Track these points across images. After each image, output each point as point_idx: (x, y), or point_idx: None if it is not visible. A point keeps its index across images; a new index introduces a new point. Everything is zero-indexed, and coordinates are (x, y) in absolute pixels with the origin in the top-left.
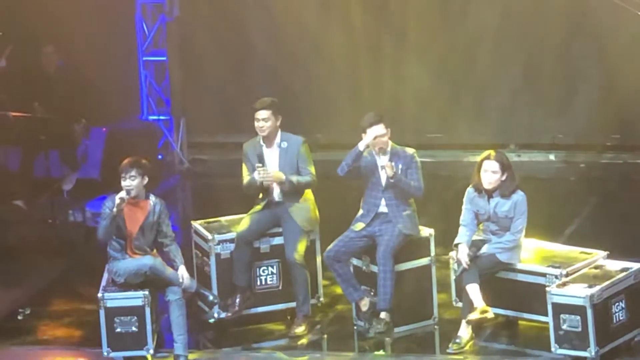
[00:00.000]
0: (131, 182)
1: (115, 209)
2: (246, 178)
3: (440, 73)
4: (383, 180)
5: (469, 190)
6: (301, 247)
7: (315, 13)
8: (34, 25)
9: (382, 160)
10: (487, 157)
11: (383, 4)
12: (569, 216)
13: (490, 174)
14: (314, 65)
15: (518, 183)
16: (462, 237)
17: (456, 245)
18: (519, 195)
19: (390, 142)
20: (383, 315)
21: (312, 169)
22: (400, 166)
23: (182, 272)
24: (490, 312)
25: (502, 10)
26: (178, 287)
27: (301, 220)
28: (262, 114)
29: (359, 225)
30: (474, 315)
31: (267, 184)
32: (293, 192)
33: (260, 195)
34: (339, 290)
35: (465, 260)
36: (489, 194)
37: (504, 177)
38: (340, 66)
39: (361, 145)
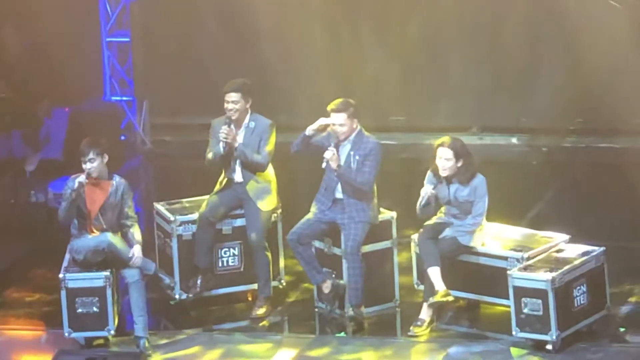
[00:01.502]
0: (91, 164)
1: (74, 193)
2: (210, 153)
3: (402, 55)
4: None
5: (429, 173)
6: (263, 229)
7: None
8: None
9: (328, 153)
10: (441, 144)
11: None
12: (531, 200)
13: (444, 160)
14: (276, 47)
15: (476, 169)
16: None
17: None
18: (479, 179)
19: (357, 129)
20: (353, 312)
21: (269, 153)
22: (357, 157)
23: (135, 250)
24: (451, 296)
25: None
26: (136, 268)
27: (262, 202)
28: (232, 96)
29: (315, 207)
30: (434, 299)
31: (225, 145)
32: (251, 170)
33: (222, 175)
34: (300, 270)
35: (428, 190)
36: (448, 179)
37: (459, 164)
38: (303, 48)
39: (308, 130)
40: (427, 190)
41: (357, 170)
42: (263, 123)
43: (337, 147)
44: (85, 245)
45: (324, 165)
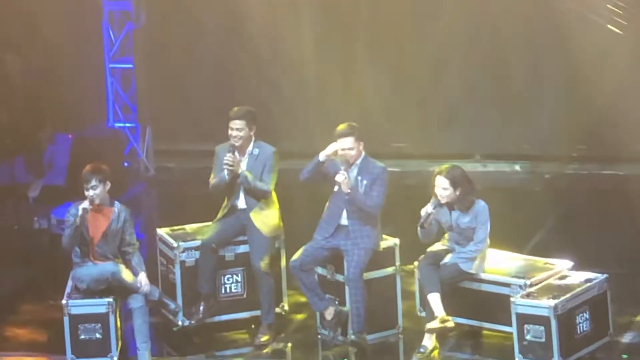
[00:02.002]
0: (94, 191)
1: (78, 219)
2: (214, 179)
3: (407, 83)
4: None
5: (432, 200)
6: (266, 255)
7: (284, 23)
8: (0, 31)
9: (340, 176)
10: (439, 173)
11: (351, 16)
12: (534, 227)
13: (441, 189)
14: (281, 74)
15: (476, 196)
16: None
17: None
18: (480, 206)
19: (362, 155)
20: (355, 338)
21: (272, 180)
22: (365, 182)
23: (142, 279)
24: (451, 322)
25: (469, 21)
26: (141, 295)
27: (265, 229)
28: (236, 123)
29: (319, 234)
30: (433, 324)
31: (228, 171)
32: (255, 197)
33: (225, 202)
34: (303, 298)
35: (429, 209)
36: (449, 206)
37: (457, 192)
38: (309, 75)
39: (321, 156)
40: (427, 209)
41: (365, 194)
42: (267, 150)
43: (346, 171)
44: (89, 273)
45: (336, 188)
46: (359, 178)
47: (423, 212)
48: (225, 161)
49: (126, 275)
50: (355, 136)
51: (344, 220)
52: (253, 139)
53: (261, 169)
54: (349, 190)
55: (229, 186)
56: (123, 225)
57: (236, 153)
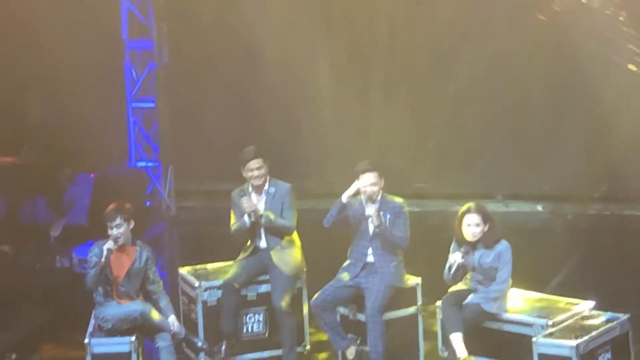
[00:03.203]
0: (118, 230)
1: (103, 259)
2: (235, 225)
3: (429, 123)
4: (370, 230)
5: (454, 242)
6: (288, 295)
7: (304, 63)
8: (23, 69)
9: (369, 210)
10: (468, 211)
11: (372, 54)
12: (556, 267)
13: (473, 227)
14: (303, 114)
15: (500, 233)
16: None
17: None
18: (503, 246)
19: (381, 192)
20: None
21: (294, 216)
22: (388, 216)
23: (173, 321)
24: None
25: (490, 63)
26: (168, 334)
27: (287, 268)
28: (256, 163)
29: (345, 275)
30: None
31: (249, 211)
32: (277, 236)
33: (248, 242)
34: (325, 337)
35: (457, 258)
36: (473, 245)
37: (486, 229)
38: (330, 115)
39: (344, 197)
40: (456, 257)
41: (390, 228)
42: (283, 187)
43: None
44: (115, 313)
45: (370, 222)
46: (382, 213)
47: (452, 259)
48: (244, 206)
49: (154, 314)
50: (378, 172)
51: (370, 258)
52: (268, 177)
53: (280, 206)
54: (379, 222)
55: (250, 228)
56: (146, 264)
57: (251, 195)
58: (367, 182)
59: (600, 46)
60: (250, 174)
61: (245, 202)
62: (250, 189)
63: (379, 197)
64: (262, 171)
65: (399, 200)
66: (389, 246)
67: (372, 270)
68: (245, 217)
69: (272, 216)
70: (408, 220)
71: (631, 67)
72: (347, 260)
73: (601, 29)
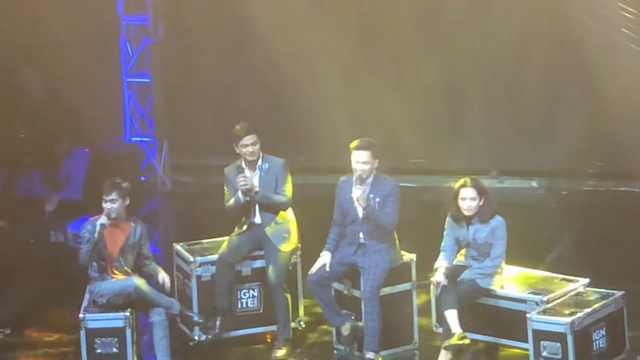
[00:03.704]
0: (112, 205)
1: (96, 234)
2: (229, 201)
3: (421, 98)
4: (360, 213)
5: (448, 219)
6: (282, 270)
7: (299, 38)
8: (17, 44)
9: (356, 192)
10: (463, 185)
11: (367, 30)
12: (551, 243)
13: (468, 201)
14: (297, 89)
15: (496, 207)
16: (441, 261)
17: (435, 269)
18: (497, 221)
19: (375, 172)
20: (372, 355)
21: (288, 191)
22: (377, 199)
23: (162, 275)
24: (467, 339)
25: (484, 37)
26: (162, 309)
27: (282, 244)
28: (250, 138)
29: (340, 254)
30: (450, 342)
31: (245, 189)
32: (271, 212)
33: (243, 219)
34: (320, 313)
35: (442, 280)
36: (468, 220)
37: (481, 203)
38: (324, 90)
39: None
40: (439, 278)
41: (379, 211)
42: (276, 163)
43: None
44: (110, 288)
45: (355, 202)
46: (371, 196)
47: (435, 281)
48: (240, 184)
49: (147, 288)
50: (372, 151)
51: (363, 240)
52: (261, 153)
53: (274, 182)
54: (365, 204)
55: (244, 205)
56: (140, 239)
57: (246, 171)
58: (358, 159)
59: (598, 23)
60: (244, 150)
61: (242, 180)
62: (243, 164)
63: (370, 180)
64: (256, 147)
65: (392, 181)
66: (379, 228)
67: (368, 250)
68: (240, 194)
69: (267, 193)
70: (398, 202)
71: (629, 44)
72: (344, 239)
73: (599, 6)
